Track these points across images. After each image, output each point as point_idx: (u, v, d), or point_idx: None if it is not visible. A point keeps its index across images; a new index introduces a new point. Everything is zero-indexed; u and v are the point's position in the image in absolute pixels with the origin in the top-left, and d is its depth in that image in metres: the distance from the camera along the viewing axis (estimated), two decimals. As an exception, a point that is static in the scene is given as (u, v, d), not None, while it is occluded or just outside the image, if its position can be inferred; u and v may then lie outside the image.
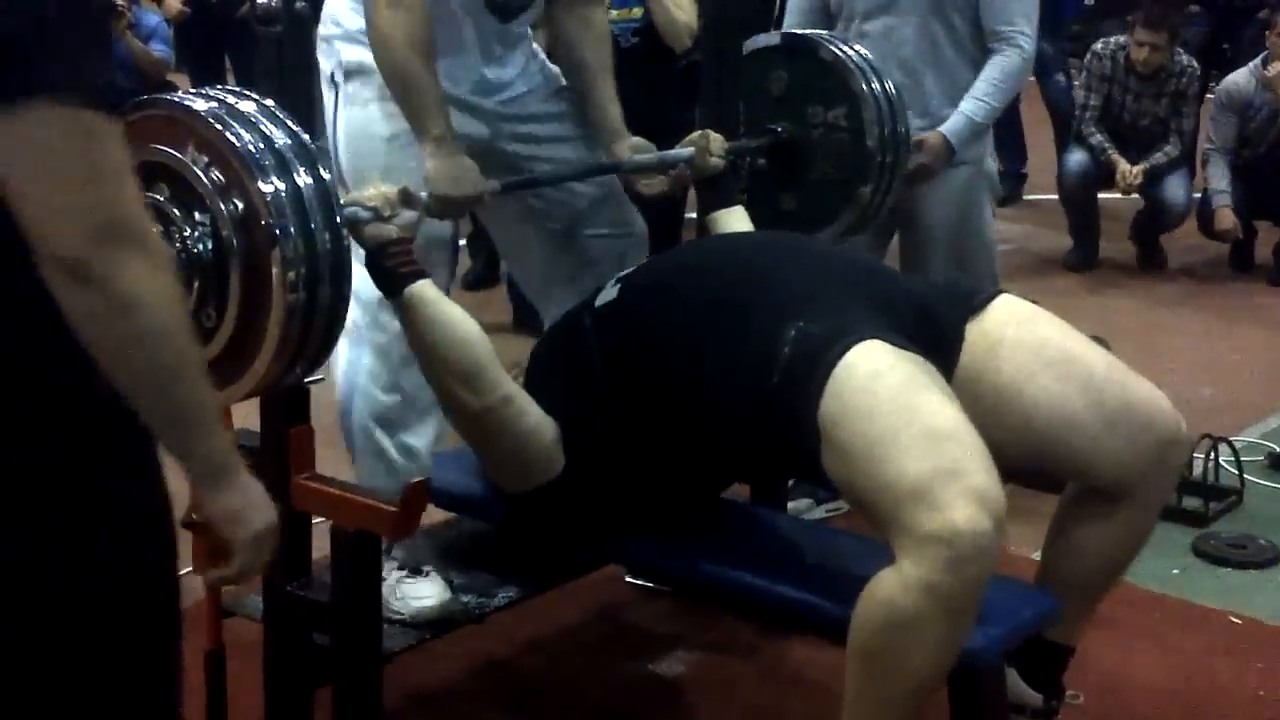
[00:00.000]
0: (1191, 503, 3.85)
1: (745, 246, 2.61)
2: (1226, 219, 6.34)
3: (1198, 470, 3.93)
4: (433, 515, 2.79)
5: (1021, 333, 2.38)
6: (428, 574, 2.72)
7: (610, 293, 2.50)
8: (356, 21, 2.67)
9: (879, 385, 2.13)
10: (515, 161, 2.87)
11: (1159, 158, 6.36)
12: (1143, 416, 2.34)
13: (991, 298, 2.44)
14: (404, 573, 2.70)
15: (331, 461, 2.57)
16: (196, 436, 1.52)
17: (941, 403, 2.12)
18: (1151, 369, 4.97)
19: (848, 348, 2.16)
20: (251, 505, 1.60)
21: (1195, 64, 6.55)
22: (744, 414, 2.28)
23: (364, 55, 2.65)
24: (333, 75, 2.76)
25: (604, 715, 2.96)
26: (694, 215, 3.25)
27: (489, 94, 2.85)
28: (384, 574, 2.67)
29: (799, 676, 3.05)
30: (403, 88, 2.58)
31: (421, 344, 2.38)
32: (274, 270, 2.00)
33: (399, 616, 2.65)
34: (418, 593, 2.68)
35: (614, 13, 4.20)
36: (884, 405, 2.10)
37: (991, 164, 3.67)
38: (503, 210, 2.94)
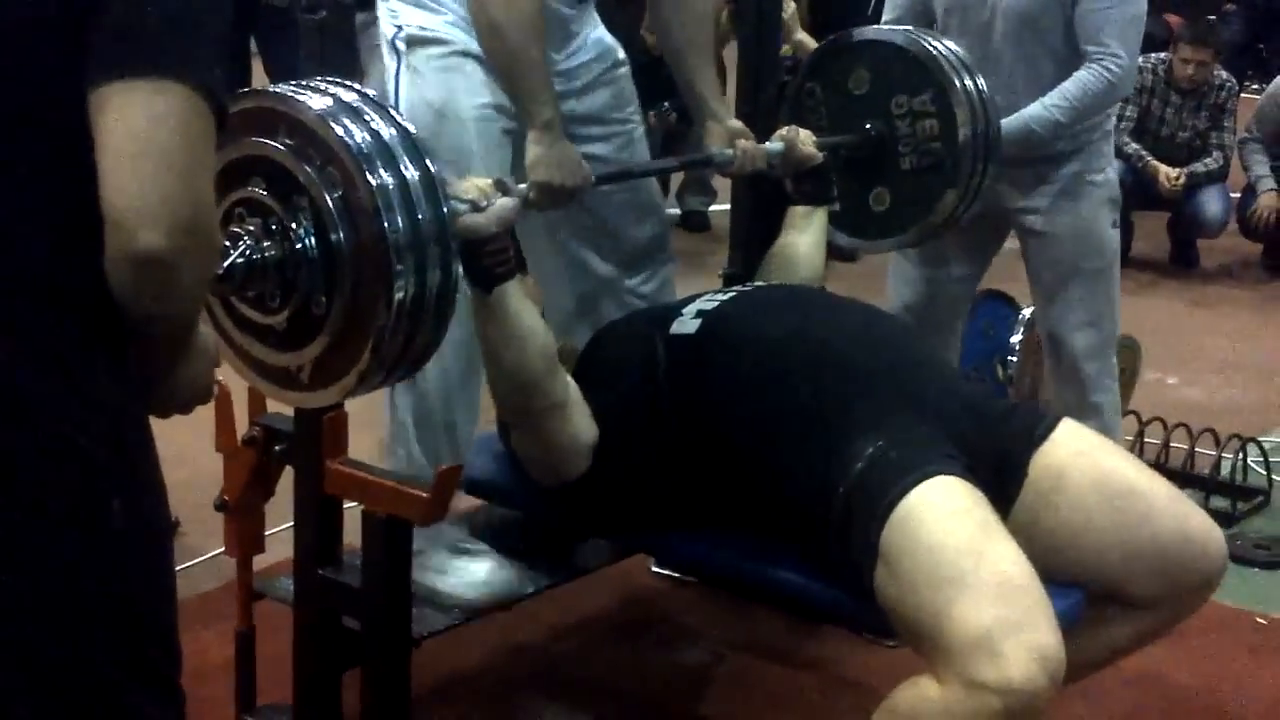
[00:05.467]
0: (1219, 503, 3.84)
1: (836, 326, 2.51)
2: (1275, 200, 6.34)
3: (1225, 470, 3.92)
4: (460, 501, 2.82)
5: (1084, 466, 2.37)
6: (478, 554, 2.75)
7: (688, 324, 2.48)
8: None
9: (953, 523, 2.13)
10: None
11: (1199, 167, 6.33)
12: (1197, 549, 2.35)
13: (1054, 425, 2.42)
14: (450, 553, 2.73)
15: (364, 447, 2.59)
16: (179, 357, 1.60)
17: (1013, 552, 2.11)
18: (1181, 368, 5.06)
19: (923, 479, 2.16)
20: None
21: (1233, 79, 6.54)
22: (802, 505, 2.29)
23: (427, 20, 2.58)
24: (394, 41, 2.69)
25: (630, 703, 2.97)
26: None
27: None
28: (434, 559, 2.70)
29: (824, 669, 3.06)
30: (513, 74, 2.52)
31: (490, 342, 2.39)
32: (383, 262, 1.99)
33: (452, 601, 2.66)
34: (470, 572, 2.71)
35: None
36: (956, 544, 2.11)
37: (1111, 174, 3.56)
38: (534, 231, 2.93)
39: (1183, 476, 3.94)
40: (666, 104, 6.98)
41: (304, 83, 2.12)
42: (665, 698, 2.99)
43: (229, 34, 1.56)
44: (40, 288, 1.46)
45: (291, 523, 2.54)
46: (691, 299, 2.60)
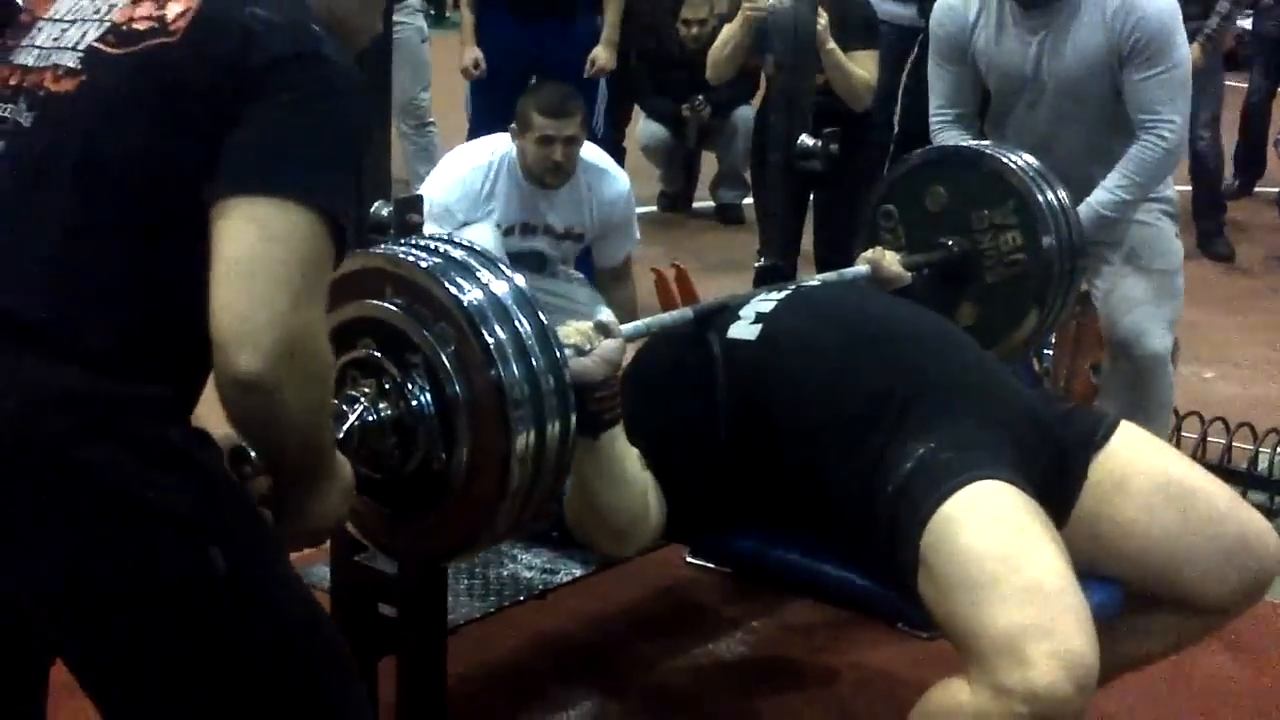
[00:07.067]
0: (1256, 497, 3.81)
1: (897, 330, 2.49)
2: None
3: (1264, 465, 3.90)
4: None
5: (1146, 468, 2.37)
6: (513, 543, 2.79)
7: (747, 330, 2.45)
8: None
9: (992, 529, 2.12)
10: None
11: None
12: (1258, 551, 2.35)
13: (1113, 428, 2.41)
14: None
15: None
16: (309, 488, 1.62)
17: (1051, 559, 2.10)
18: (1218, 362, 5.03)
19: (968, 483, 2.15)
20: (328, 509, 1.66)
21: None
22: (852, 508, 2.28)
23: None
24: None
25: (664, 694, 2.98)
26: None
27: None
28: None
29: (858, 660, 3.06)
30: None
31: (587, 485, 2.32)
32: (501, 416, 1.96)
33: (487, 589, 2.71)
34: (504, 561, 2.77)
35: None
36: (992, 549, 2.09)
37: (1170, 192, 3.60)
38: None
39: (1220, 471, 3.90)
40: (700, 98, 6.99)
41: (410, 241, 2.11)
42: (698, 687, 2.99)
43: (359, 162, 1.55)
44: (112, 365, 1.47)
45: (328, 510, 2.55)
46: (747, 298, 2.56)
